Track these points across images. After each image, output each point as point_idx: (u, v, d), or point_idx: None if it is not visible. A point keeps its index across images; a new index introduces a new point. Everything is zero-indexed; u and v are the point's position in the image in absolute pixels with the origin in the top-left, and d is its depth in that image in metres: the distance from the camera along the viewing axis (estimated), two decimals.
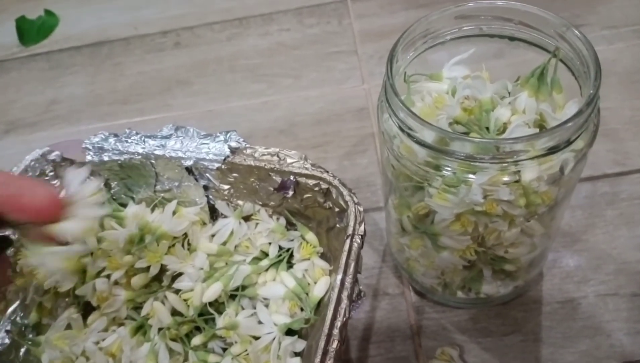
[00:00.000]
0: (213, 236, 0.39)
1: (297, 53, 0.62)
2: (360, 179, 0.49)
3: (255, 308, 0.36)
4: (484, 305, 0.40)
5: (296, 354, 0.34)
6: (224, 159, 0.37)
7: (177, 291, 0.37)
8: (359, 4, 0.65)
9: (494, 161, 0.27)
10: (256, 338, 0.35)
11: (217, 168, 0.38)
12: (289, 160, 0.37)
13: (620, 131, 0.49)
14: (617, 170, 0.46)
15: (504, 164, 0.27)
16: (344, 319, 0.30)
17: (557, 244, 0.42)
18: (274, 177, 0.37)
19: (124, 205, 0.42)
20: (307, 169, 0.36)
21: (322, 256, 0.38)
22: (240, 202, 0.40)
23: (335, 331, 0.29)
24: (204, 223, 0.41)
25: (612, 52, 0.56)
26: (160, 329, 0.36)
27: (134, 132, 0.40)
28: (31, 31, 0.70)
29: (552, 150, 0.27)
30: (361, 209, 0.34)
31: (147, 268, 0.38)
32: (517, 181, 0.28)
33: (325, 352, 0.29)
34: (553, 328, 0.38)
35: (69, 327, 0.38)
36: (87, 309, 0.39)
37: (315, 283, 0.36)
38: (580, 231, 0.43)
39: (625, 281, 0.40)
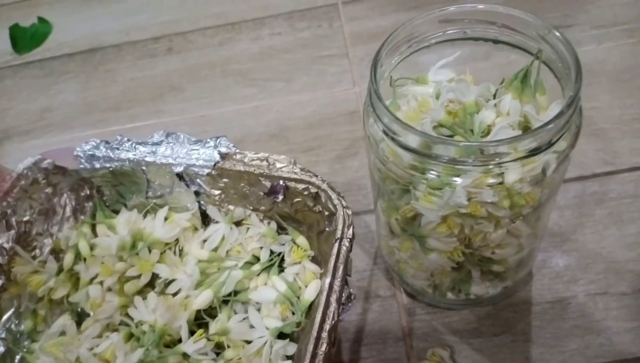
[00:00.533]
0: (205, 241, 0.40)
1: (289, 57, 0.62)
2: (351, 182, 0.50)
3: (247, 312, 0.36)
4: (474, 306, 0.40)
5: (288, 357, 0.34)
6: (214, 165, 0.38)
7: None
8: (349, 7, 0.66)
9: (477, 164, 0.27)
10: (248, 342, 0.35)
11: (208, 174, 0.38)
12: (278, 165, 0.37)
13: (610, 131, 0.49)
14: (606, 169, 0.46)
15: (488, 167, 0.28)
16: (333, 322, 0.30)
17: (546, 244, 0.42)
18: (263, 182, 0.37)
19: (117, 212, 0.42)
20: (296, 173, 0.36)
21: (313, 259, 0.38)
22: (231, 207, 0.40)
23: (324, 334, 0.30)
24: (196, 229, 0.41)
25: (601, 52, 0.56)
26: None
27: (125, 139, 0.40)
28: (24, 39, 0.70)
29: (534, 152, 0.27)
30: (349, 212, 0.34)
31: (140, 275, 0.38)
32: (500, 183, 0.28)
33: (314, 355, 0.29)
34: (543, 328, 0.39)
35: (63, 333, 0.38)
36: (80, 316, 0.40)
37: (306, 286, 0.36)
38: (570, 231, 0.43)
39: (615, 280, 0.40)
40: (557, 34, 0.30)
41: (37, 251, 0.40)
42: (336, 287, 0.31)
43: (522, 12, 0.31)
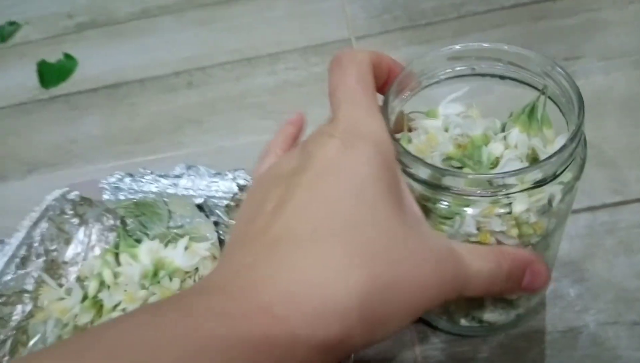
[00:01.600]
0: None
1: (303, 90, 0.64)
2: None
3: None
4: (487, 332, 0.41)
5: None
6: (232, 196, 0.39)
7: None
8: (362, 42, 0.68)
9: (485, 195, 0.28)
10: None
11: (226, 205, 0.40)
12: None
13: (618, 160, 0.50)
14: (615, 199, 0.47)
15: (496, 197, 0.29)
16: None
17: (558, 274, 0.43)
18: None
19: (139, 241, 0.44)
20: None
21: None
22: None
23: None
24: (215, 258, 0.42)
25: (608, 82, 0.57)
26: None
27: (148, 171, 0.42)
28: (51, 74, 0.73)
29: (540, 183, 0.28)
30: None
31: None
32: (509, 213, 0.29)
33: None
34: (554, 356, 0.39)
35: None
36: None
37: None
38: (580, 261, 0.44)
39: (625, 309, 0.41)
40: (560, 70, 0.31)
41: (64, 279, 0.42)
42: None
43: (525, 50, 0.33)
